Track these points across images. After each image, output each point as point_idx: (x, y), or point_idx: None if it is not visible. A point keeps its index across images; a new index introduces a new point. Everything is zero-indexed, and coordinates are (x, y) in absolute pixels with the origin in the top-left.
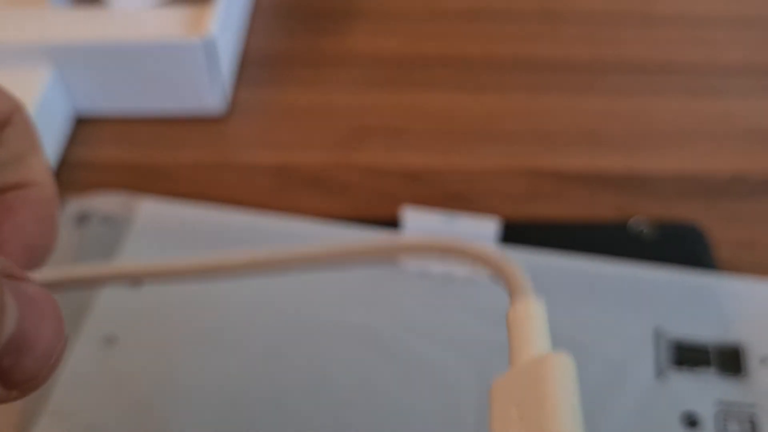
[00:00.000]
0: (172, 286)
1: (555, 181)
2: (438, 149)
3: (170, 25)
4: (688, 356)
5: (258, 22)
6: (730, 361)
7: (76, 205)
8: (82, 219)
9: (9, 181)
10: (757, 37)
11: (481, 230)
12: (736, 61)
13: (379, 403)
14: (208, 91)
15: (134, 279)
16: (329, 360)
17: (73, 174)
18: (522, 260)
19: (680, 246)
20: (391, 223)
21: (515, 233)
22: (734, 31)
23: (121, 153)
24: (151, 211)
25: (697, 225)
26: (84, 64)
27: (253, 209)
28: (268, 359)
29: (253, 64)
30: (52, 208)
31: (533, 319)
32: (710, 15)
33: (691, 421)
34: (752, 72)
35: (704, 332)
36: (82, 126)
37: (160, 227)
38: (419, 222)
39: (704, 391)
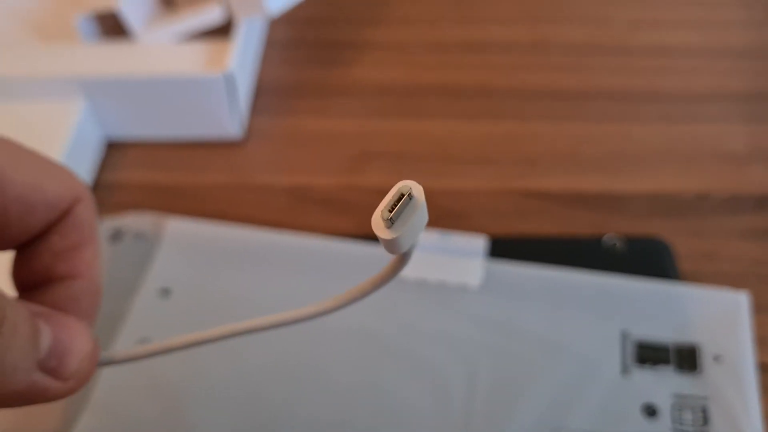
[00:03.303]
0: (196, 296)
1: (539, 200)
2: (435, 172)
3: (192, 59)
4: (650, 355)
5: (271, 54)
6: (687, 359)
7: (111, 223)
8: (116, 236)
9: (59, 272)
10: (728, 66)
11: (471, 246)
12: (708, 88)
13: (378, 399)
14: (227, 119)
15: (164, 291)
16: (334, 360)
17: (105, 195)
18: (508, 272)
19: (648, 258)
20: None
21: (503, 248)
22: (707, 61)
23: (149, 175)
24: (178, 229)
25: (664, 239)
26: (114, 95)
27: (270, 227)
28: (281, 361)
29: (267, 94)
30: (96, 302)
31: None
32: (686, 46)
33: (651, 411)
34: (722, 98)
35: (665, 334)
36: (114, 151)
37: (187, 244)
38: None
39: (663, 385)
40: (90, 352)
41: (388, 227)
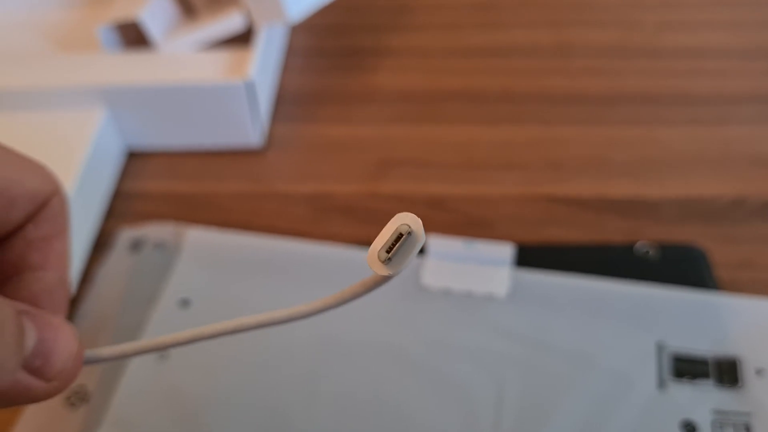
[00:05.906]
0: (216, 307)
1: (566, 206)
2: (459, 178)
3: (213, 68)
4: (687, 368)
5: (292, 61)
6: (727, 372)
7: (131, 233)
8: (136, 246)
9: (31, 261)
10: (762, 67)
11: (497, 254)
12: (740, 90)
13: (401, 416)
14: (248, 128)
15: (183, 302)
16: (355, 375)
17: (125, 204)
18: (536, 281)
19: (683, 266)
20: None
21: (530, 256)
22: (740, 62)
23: (169, 185)
24: (198, 239)
25: (699, 247)
26: (135, 104)
27: (291, 236)
28: (303, 375)
29: (288, 101)
30: (66, 295)
31: None
32: (717, 47)
33: (690, 428)
34: (755, 101)
35: (703, 346)
36: (134, 160)
37: (207, 254)
38: (441, 247)
39: (702, 401)
40: (75, 353)
41: (386, 265)
